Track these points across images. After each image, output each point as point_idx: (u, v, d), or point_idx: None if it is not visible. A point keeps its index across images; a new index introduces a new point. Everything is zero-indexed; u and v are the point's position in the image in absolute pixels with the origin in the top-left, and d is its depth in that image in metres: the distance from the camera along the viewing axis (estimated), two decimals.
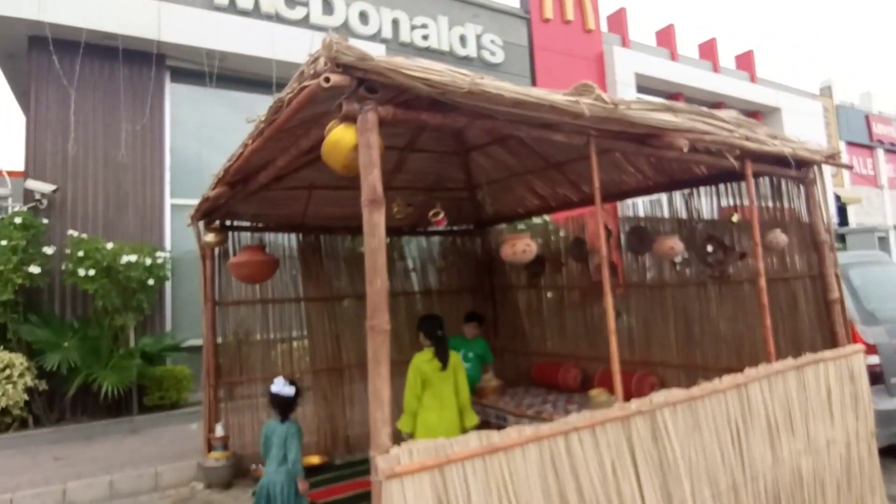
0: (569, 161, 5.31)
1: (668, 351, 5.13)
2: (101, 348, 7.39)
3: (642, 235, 5.34)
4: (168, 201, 8.79)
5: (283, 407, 3.74)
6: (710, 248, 4.72)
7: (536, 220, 6.71)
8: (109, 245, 7.41)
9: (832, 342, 3.91)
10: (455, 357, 4.36)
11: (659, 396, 3.01)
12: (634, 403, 2.90)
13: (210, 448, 5.41)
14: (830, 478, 3.59)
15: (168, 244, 8.58)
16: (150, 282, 7.59)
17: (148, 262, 7.53)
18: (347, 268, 6.63)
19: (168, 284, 8.38)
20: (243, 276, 5.09)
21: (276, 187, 4.53)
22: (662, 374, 5.09)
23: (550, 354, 6.38)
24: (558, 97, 2.65)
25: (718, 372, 4.67)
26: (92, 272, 7.10)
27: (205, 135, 9.32)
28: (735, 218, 3.46)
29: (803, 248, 4.14)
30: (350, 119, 2.37)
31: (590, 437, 2.69)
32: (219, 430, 5.38)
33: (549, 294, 6.54)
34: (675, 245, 4.59)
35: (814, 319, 4.11)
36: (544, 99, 2.58)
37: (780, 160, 3.63)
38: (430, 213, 4.64)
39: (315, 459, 5.81)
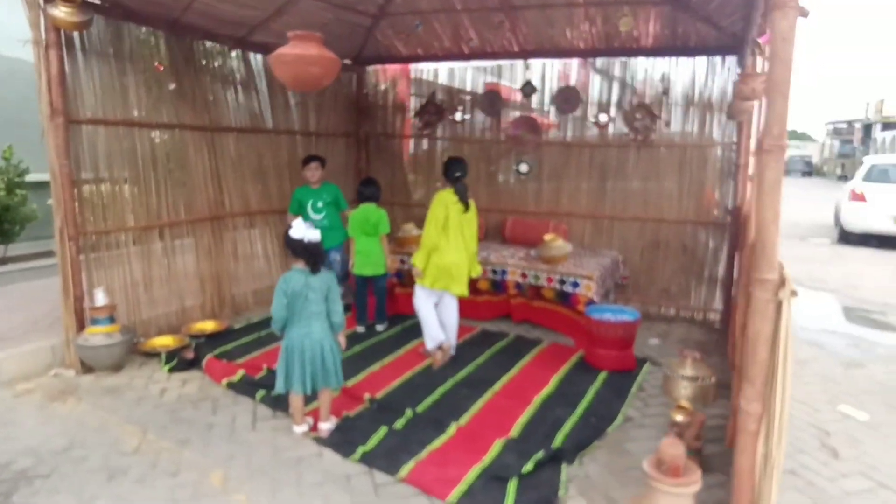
0: (517, 7, 5.11)
1: (578, 202, 5.81)
2: None
3: (569, 96, 5.67)
4: None
5: (315, 255, 3.00)
6: (638, 115, 5.38)
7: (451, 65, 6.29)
8: None
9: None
10: (473, 204, 4.14)
11: None
12: None
13: (81, 323, 3.92)
14: None
15: None
16: None
17: None
18: (231, 90, 5.17)
19: None
20: (307, 78, 3.48)
21: None
22: (569, 223, 5.78)
23: None
24: None
25: (624, 221, 5.62)
26: None
27: None
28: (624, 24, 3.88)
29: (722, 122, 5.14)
30: None
31: None
32: (100, 298, 3.91)
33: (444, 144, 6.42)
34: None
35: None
36: None
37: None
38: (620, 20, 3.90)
39: (210, 325, 4.82)
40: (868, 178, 10.98)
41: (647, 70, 5.33)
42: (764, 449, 1.98)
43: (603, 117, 5.55)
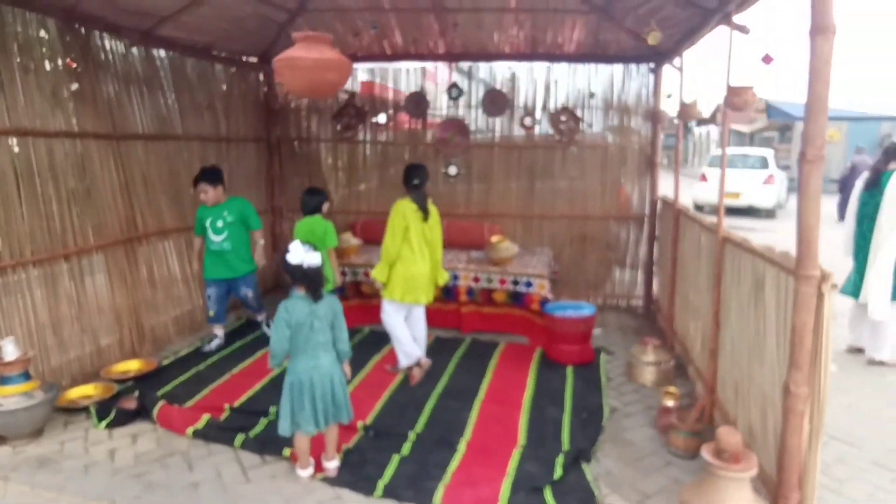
0: (450, 9, 5.08)
1: (508, 203, 5.96)
2: None
3: (496, 99, 5.77)
4: None
5: (317, 281, 2.74)
6: (563, 118, 5.65)
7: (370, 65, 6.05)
8: None
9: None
10: (435, 210, 4.02)
11: None
12: None
13: None
14: None
15: None
16: None
17: None
18: (136, 91, 4.47)
19: None
20: (322, 85, 3.09)
21: None
22: (501, 223, 5.91)
23: (370, 213, 6.21)
24: None
25: (553, 219, 5.91)
26: None
27: None
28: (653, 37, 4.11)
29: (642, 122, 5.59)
30: None
31: None
32: (9, 350, 3.15)
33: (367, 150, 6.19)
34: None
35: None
36: None
37: None
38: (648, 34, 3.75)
39: (135, 365, 4.18)
40: (710, 164, 14.35)
41: (568, 75, 5.63)
42: (809, 426, 2.22)
43: (529, 120, 5.75)
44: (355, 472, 2.92)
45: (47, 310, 3.69)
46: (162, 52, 4.78)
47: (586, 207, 5.81)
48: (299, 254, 2.67)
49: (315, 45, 2.96)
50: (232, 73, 5.72)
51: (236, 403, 3.63)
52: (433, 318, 5.09)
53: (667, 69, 5.26)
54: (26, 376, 3.20)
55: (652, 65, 5.40)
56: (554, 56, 5.55)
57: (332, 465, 2.91)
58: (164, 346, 4.68)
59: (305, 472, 2.87)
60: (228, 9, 4.71)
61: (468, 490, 2.77)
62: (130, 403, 3.53)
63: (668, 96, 4.27)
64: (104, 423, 3.39)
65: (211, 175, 4.40)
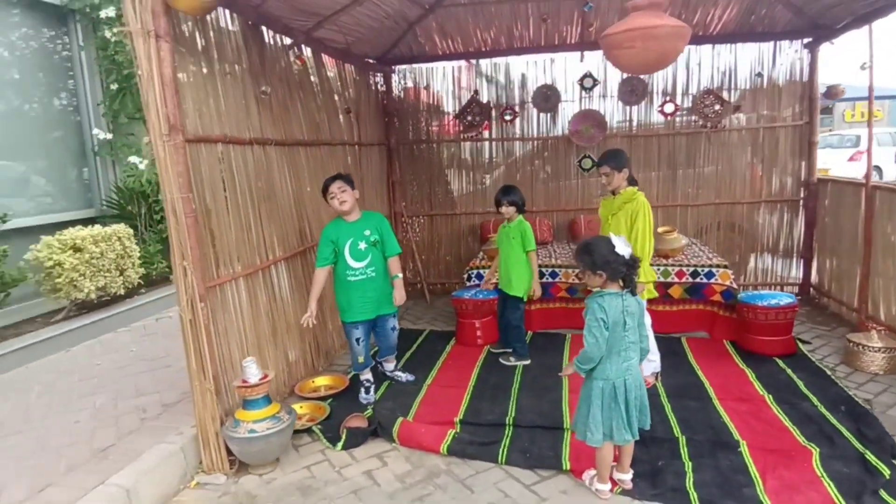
0: None
1: (648, 194, 5.65)
2: None
3: (634, 87, 5.55)
4: None
5: (632, 274, 2.49)
6: (707, 102, 5.42)
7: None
8: None
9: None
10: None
11: None
12: None
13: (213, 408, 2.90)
14: None
15: None
16: None
17: None
18: (298, 95, 4.26)
19: None
20: (670, 55, 2.77)
21: None
22: None
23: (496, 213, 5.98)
24: None
25: (697, 207, 5.67)
26: None
27: None
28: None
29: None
30: None
31: None
32: (252, 371, 2.90)
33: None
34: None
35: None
36: None
37: None
38: None
39: (325, 381, 3.96)
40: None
41: (712, 56, 5.39)
42: None
43: (669, 107, 5.52)
44: (655, 484, 2.67)
45: (253, 327, 3.47)
46: (308, 52, 4.57)
47: (734, 193, 5.56)
48: (622, 245, 2.44)
49: (657, 11, 2.72)
50: (360, 75, 5.52)
51: (459, 416, 3.39)
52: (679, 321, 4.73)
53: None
54: (268, 399, 2.97)
55: (806, 40, 5.17)
56: (696, 37, 5.32)
57: (626, 477, 2.66)
58: (333, 360, 4.45)
59: (606, 487, 2.62)
60: (379, 7, 4.51)
61: (795, 496, 2.52)
62: (359, 422, 3.29)
63: (863, 66, 4.05)
64: (340, 445, 3.15)
65: (347, 177, 3.62)
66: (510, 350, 4.23)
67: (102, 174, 6.54)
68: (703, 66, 5.43)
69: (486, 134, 5.96)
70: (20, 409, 3.57)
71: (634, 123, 5.66)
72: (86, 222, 5.61)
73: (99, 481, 2.61)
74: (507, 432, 3.18)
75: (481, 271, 4.94)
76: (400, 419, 3.26)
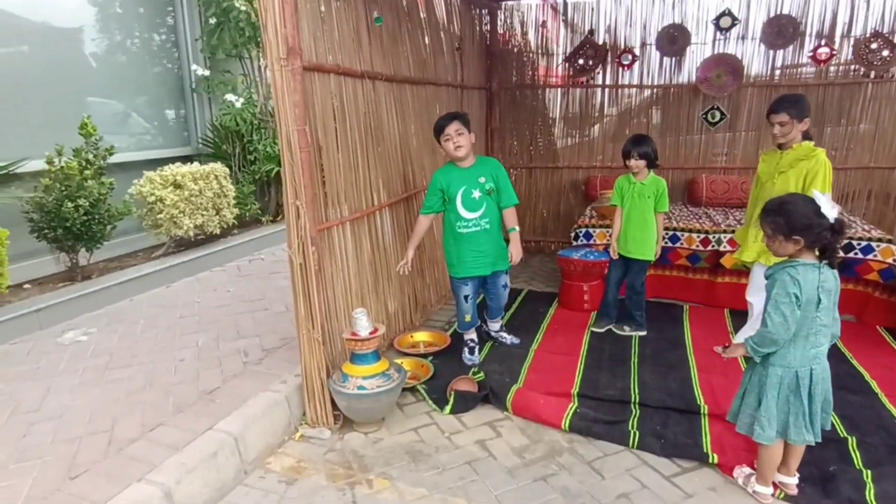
0: None
1: None
2: None
3: (783, 27, 4.78)
4: None
5: (836, 239, 2.00)
6: (873, 46, 4.59)
7: None
8: None
9: None
10: None
11: None
12: None
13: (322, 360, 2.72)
14: None
15: None
16: None
17: None
18: (406, 28, 3.89)
19: None
20: None
21: None
22: None
23: (604, 167, 5.50)
24: None
25: (847, 171, 4.91)
26: None
27: None
28: None
29: None
30: None
31: None
32: (363, 323, 2.68)
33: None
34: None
35: None
36: None
37: None
38: None
39: (424, 337, 3.73)
40: None
41: None
42: None
43: (824, 51, 4.73)
44: (827, 492, 2.25)
45: (357, 275, 3.25)
46: None
47: (894, 157, 4.77)
48: (827, 205, 1.96)
49: None
50: (465, 10, 5.06)
51: (575, 388, 3.07)
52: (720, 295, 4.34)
53: None
54: (377, 355, 2.76)
55: None
56: None
57: (792, 481, 2.26)
58: (430, 315, 4.22)
59: (768, 490, 2.23)
60: None
61: None
62: (468, 386, 3.04)
63: None
64: (448, 409, 2.91)
65: (465, 117, 3.22)
66: (610, 326, 3.84)
67: (199, 112, 6.51)
68: (872, 1, 4.57)
69: (597, 79, 5.39)
70: (128, 341, 3.57)
71: (777, 72, 4.91)
72: (183, 160, 5.58)
73: (208, 426, 2.51)
74: (634, 411, 2.84)
75: (590, 230, 4.51)
76: (515, 387, 2.98)
